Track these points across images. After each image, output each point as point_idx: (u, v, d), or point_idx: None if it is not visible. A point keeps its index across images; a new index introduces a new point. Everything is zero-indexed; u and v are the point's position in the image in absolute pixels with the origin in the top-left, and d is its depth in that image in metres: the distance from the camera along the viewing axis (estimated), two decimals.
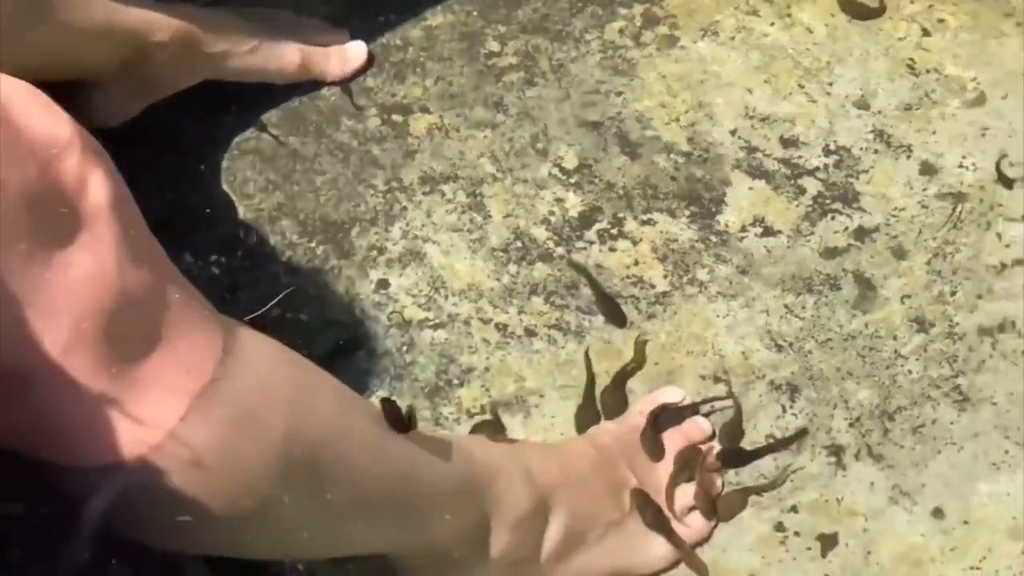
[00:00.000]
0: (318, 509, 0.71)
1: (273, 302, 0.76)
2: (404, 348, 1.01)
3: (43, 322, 0.58)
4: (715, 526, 0.93)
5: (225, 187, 1.05)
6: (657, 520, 0.88)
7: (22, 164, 0.57)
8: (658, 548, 0.90)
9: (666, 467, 0.93)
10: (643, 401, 0.97)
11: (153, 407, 0.63)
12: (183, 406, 0.64)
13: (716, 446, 0.95)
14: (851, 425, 0.96)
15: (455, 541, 0.81)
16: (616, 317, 0.99)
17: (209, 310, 0.67)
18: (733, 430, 0.95)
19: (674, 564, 0.91)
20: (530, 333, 1.01)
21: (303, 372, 0.71)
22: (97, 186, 0.61)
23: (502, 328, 1.02)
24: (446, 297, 1.03)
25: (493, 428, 0.94)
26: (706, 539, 0.92)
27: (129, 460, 0.62)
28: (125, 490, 0.63)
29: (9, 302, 0.57)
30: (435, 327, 1.01)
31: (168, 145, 1.06)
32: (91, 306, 0.60)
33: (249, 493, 0.66)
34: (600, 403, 0.96)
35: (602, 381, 0.99)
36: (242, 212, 1.05)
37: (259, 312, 0.78)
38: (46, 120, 0.59)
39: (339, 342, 1.00)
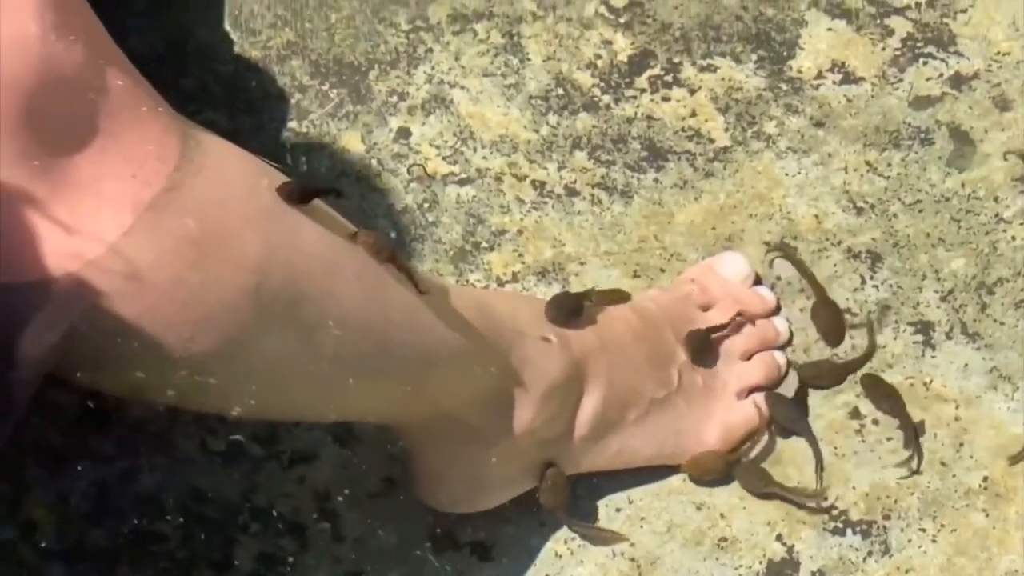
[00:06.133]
0: (302, 355, 0.59)
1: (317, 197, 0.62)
2: (426, 205, 0.88)
3: None
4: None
5: (228, 22, 0.93)
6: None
7: None
8: (710, 433, 0.78)
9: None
10: (696, 268, 0.84)
11: (90, 215, 0.51)
12: (128, 217, 0.52)
13: (782, 323, 0.82)
14: (943, 299, 0.82)
15: (470, 411, 0.69)
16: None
17: (164, 108, 0.55)
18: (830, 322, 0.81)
19: (729, 451, 0.78)
20: (571, 192, 0.88)
21: None
22: None
23: (539, 186, 0.89)
24: (475, 149, 0.90)
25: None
26: (764, 426, 0.79)
27: (59, 276, 0.51)
28: (58, 315, 0.52)
29: None
30: (462, 183, 0.89)
31: None
32: (4, 79, 0.48)
33: (212, 325, 0.54)
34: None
35: (648, 246, 0.86)
36: (246, 50, 0.93)
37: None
38: None
39: (352, 196, 0.88)
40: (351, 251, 0.61)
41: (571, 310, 0.74)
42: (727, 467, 0.77)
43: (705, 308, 0.81)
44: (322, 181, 0.88)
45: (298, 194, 0.59)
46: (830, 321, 0.82)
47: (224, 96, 0.91)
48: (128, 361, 0.55)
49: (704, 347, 0.77)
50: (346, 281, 0.60)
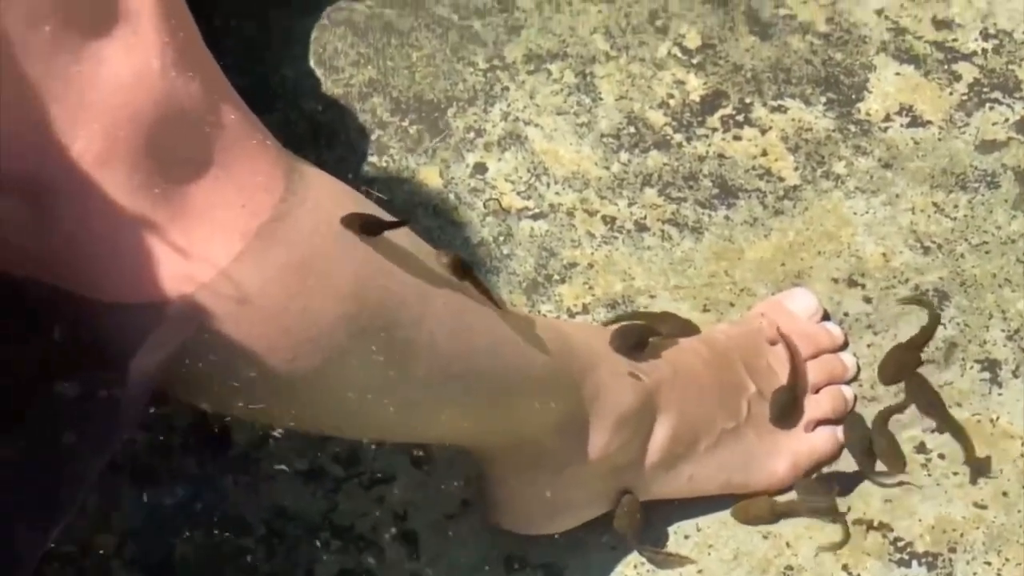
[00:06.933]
0: (392, 378, 0.62)
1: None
2: (501, 238, 0.91)
3: (71, 124, 0.50)
4: (843, 446, 0.81)
5: (312, 60, 0.97)
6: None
7: None
8: (779, 464, 0.79)
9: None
10: (765, 303, 0.86)
11: (204, 241, 0.54)
12: (238, 244, 0.55)
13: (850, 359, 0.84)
14: (1009, 338, 0.84)
15: (547, 436, 0.72)
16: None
17: (271, 141, 0.58)
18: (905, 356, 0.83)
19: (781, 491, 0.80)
20: (641, 227, 0.91)
21: None
22: None
23: (609, 221, 0.91)
24: (548, 185, 0.93)
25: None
26: (831, 459, 0.81)
27: (174, 298, 0.54)
28: (171, 335, 0.55)
29: (31, 95, 0.49)
30: (535, 217, 0.92)
31: (250, 12, 0.98)
32: (129, 112, 0.52)
33: (312, 347, 0.57)
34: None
35: (718, 281, 0.89)
36: (330, 87, 0.96)
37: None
38: None
39: (430, 228, 0.91)
40: (439, 280, 0.64)
41: (635, 342, 0.77)
42: (773, 515, 0.78)
43: (773, 342, 0.83)
44: (397, 214, 0.91)
45: (366, 227, 0.61)
46: (900, 365, 0.83)
47: (308, 131, 0.95)
48: (230, 380, 0.58)
49: (789, 410, 0.79)
50: (435, 309, 0.63)
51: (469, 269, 0.64)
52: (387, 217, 0.62)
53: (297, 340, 0.57)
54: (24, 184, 0.51)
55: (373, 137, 0.95)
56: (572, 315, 0.88)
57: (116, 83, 0.51)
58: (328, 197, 0.60)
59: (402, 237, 0.63)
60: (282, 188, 0.57)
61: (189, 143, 0.54)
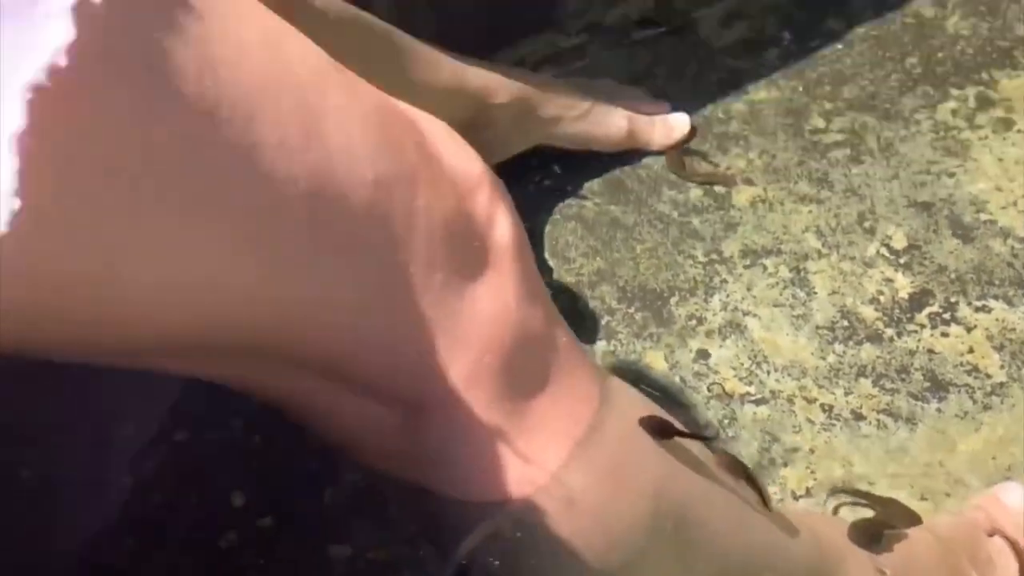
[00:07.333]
0: (678, 573, 0.68)
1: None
2: (725, 421, 0.98)
3: (450, 353, 0.59)
4: None
5: (546, 252, 1.06)
6: None
7: (444, 194, 0.58)
8: None
9: (1011, 568, 0.86)
10: (982, 498, 0.91)
11: (540, 449, 0.62)
12: (566, 450, 0.63)
13: None
14: None
15: None
16: None
17: (589, 358, 0.67)
18: None
19: None
20: (858, 416, 0.97)
21: None
22: (503, 224, 0.61)
23: (827, 409, 0.98)
24: (768, 372, 1.00)
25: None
26: None
27: (515, 499, 0.62)
28: (504, 529, 0.63)
29: (424, 330, 0.58)
30: (757, 402, 0.98)
31: None
32: (494, 342, 0.60)
33: (620, 544, 0.64)
34: None
35: (933, 471, 0.94)
36: (562, 276, 1.05)
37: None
38: (462, 155, 0.61)
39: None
40: (719, 480, 0.71)
41: (872, 535, 0.83)
42: None
43: (991, 534, 0.88)
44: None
45: (661, 431, 0.69)
46: None
47: None
48: (543, 570, 0.65)
49: None
50: (717, 509, 0.70)
51: (746, 470, 0.71)
52: (674, 422, 0.70)
53: (610, 538, 0.64)
54: (400, 398, 0.60)
55: (603, 322, 1.03)
56: (796, 498, 0.94)
57: (485, 318, 0.60)
58: (628, 404, 0.68)
59: (685, 440, 0.70)
60: (597, 399, 0.65)
61: (534, 365, 0.62)
